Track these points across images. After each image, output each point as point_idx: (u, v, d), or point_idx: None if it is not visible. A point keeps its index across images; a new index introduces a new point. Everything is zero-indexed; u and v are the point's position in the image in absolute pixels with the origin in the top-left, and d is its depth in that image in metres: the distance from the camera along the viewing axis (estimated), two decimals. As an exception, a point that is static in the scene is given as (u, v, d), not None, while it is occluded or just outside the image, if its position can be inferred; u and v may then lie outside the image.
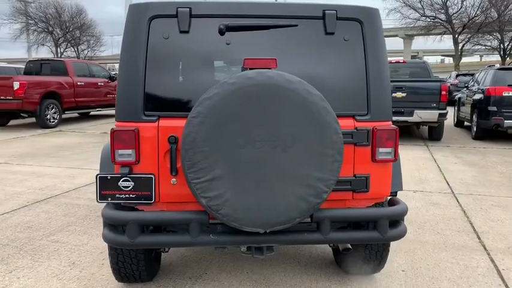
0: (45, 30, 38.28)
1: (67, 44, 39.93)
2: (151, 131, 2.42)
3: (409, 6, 33.80)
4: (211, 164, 2.15)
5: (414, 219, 4.53)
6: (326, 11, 2.50)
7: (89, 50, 42.03)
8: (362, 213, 2.53)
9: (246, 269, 3.33)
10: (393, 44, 55.52)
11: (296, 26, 2.50)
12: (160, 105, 2.46)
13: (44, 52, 39.43)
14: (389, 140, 2.55)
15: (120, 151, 2.41)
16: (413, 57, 52.70)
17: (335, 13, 2.51)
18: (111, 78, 15.92)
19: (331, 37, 2.53)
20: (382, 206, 2.70)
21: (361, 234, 2.55)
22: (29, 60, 14.27)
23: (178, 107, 2.48)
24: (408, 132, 11.18)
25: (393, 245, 3.78)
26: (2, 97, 11.58)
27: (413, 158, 7.88)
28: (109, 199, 2.42)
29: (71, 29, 39.07)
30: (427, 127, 10.31)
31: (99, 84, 14.55)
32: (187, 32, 2.45)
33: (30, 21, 37.42)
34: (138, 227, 2.34)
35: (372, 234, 2.51)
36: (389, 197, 2.78)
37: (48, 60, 14.17)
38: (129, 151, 2.41)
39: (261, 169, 2.18)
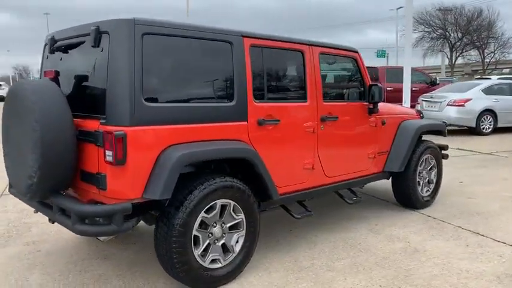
0: (442, 36, 39.35)
1: (463, 48, 39.82)
2: None
3: None
4: (3, 145, 3.18)
5: None
6: (91, 27, 2.88)
7: (496, 52, 40.18)
8: (68, 203, 2.80)
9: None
10: None
11: (83, 42, 3.03)
12: None
13: (438, 58, 40.97)
14: (110, 143, 2.67)
15: None
16: None
17: (97, 28, 2.85)
18: (432, 83, 15.64)
19: (96, 49, 2.88)
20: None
21: (64, 220, 2.81)
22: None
23: None
24: None
25: None
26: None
27: None
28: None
29: (471, 32, 38.51)
30: None
31: (413, 89, 14.70)
32: (53, 53, 3.46)
33: (426, 29, 39.40)
34: None
35: (67, 221, 2.76)
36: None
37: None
38: None
39: (16, 152, 3.02)
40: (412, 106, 12.99)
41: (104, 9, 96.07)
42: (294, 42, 3.71)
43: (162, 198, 2.79)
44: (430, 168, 5.18)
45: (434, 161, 5.18)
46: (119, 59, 2.74)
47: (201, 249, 3.04)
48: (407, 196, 4.94)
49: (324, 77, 4.05)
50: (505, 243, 3.99)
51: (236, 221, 3.23)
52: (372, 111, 4.37)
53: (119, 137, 2.66)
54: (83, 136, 2.90)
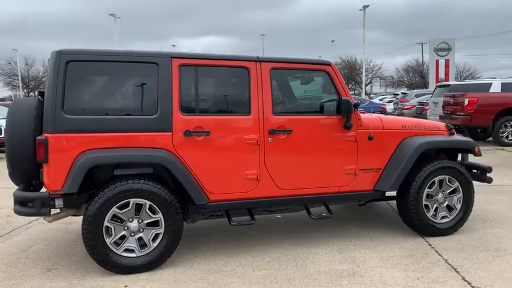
0: None
1: None
2: None
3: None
4: None
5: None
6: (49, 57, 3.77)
7: None
8: (16, 190, 3.65)
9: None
10: None
11: None
12: None
13: None
14: (38, 146, 3.50)
15: None
16: None
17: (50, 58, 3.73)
18: None
19: None
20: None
21: None
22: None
23: None
24: None
25: None
26: (458, 113, 12.62)
27: None
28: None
29: None
30: None
31: None
32: None
33: None
34: None
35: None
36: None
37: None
38: None
39: None
40: None
41: (315, 27, 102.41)
42: (236, 60, 3.94)
43: (69, 192, 3.48)
44: (452, 192, 4.53)
45: (456, 184, 4.50)
46: (49, 81, 3.56)
47: (114, 238, 3.61)
48: (410, 220, 4.46)
49: (278, 91, 4.12)
50: (469, 283, 3.36)
51: (153, 219, 3.69)
52: (346, 125, 4.18)
53: (40, 141, 3.47)
54: None
